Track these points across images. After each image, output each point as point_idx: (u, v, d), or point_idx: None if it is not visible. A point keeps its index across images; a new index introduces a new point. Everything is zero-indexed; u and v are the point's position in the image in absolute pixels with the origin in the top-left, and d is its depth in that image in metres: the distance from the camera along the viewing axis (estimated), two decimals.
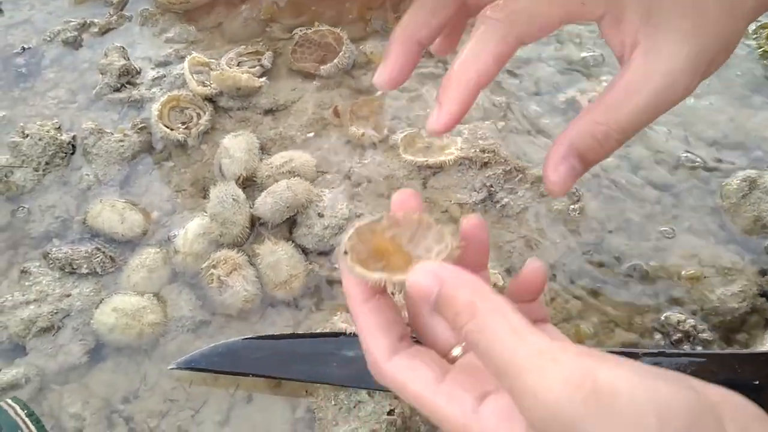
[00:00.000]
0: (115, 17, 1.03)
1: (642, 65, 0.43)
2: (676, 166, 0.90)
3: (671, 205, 0.86)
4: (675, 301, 0.79)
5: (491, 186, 0.86)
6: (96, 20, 1.03)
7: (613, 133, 0.44)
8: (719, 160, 0.90)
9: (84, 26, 1.02)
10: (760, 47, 0.99)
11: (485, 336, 0.33)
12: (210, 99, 0.93)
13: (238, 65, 0.97)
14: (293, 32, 1.01)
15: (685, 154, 0.90)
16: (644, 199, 0.87)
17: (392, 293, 0.47)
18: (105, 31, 1.02)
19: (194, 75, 0.94)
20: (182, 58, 0.96)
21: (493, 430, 0.35)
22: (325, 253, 0.81)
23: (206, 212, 0.81)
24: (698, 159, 0.90)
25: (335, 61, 0.97)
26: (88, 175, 0.87)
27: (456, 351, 0.46)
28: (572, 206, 0.85)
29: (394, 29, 0.51)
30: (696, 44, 0.43)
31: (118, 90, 0.95)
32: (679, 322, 0.76)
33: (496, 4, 0.46)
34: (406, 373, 0.40)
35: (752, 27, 1.03)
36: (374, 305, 0.43)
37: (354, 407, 0.67)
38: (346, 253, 0.43)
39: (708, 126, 0.93)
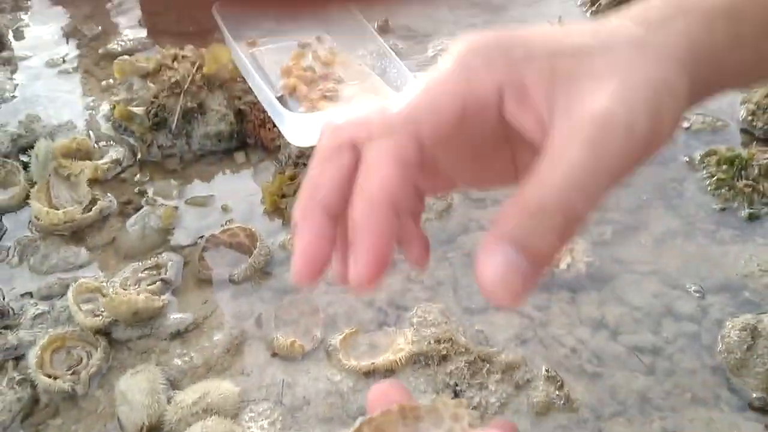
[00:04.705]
0: None
1: (566, 122, 0.32)
2: (658, 321, 0.78)
3: (666, 371, 0.73)
4: None
5: (456, 384, 0.71)
6: None
7: (549, 202, 0.31)
8: (705, 310, 0.78)
9: None
10: (712, 176, 0.91)
11: None
12: (103, 332, 0.77)
13: (136, 284, 0.83)
14: (199, 237, 0.89)
15: (663, 306, 0.79)
16: (633, 369, 0.73)
17: None
18: None
19: (82, 305, 0.79)
20: (68, 287, 0.81)
21: None
22: None
23: None
24: (681, 310, 0.78)
25: (250, 261, 0.84)
26: None
27: None
28: (556, 393, 0.70)
29: (298, 198, 0.36)
30: (625, 76, 0.33)
31: None
32: None
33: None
34: None
35: (698, 155, 0.96)
36: None
37: None
38: None
39: (682, 271, 0.82)
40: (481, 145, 0.39)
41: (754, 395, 0.69)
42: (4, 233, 0.91)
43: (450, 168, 0.40)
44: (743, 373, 0.70)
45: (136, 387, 0.69)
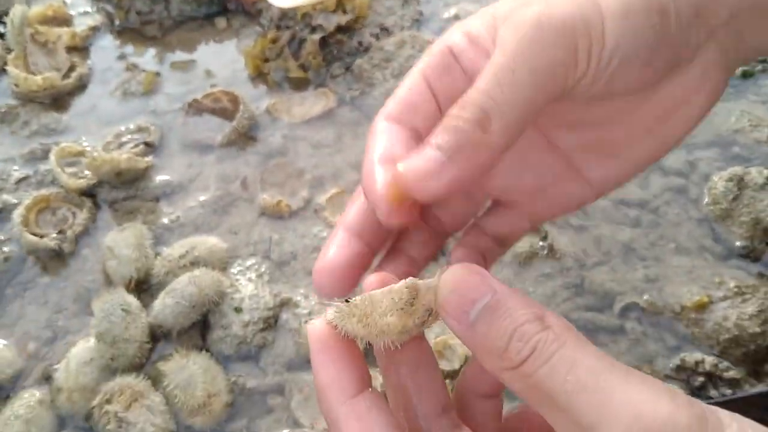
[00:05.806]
0: None
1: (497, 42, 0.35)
2: (646, 176, 0.77)
3: (652, 223, 0.73)
4: (685, 338, 0.64)
5: None
6: None
7: (467, 100, 0.32)
8: (692, 164, 0.77)
9: None
10: None
11: (569, 353, 0.26)
12: (87, 193, 0.77)
13: (119, 148, 0.81)
14: (182, 102, 0.87)
15: None
16: (620, 222, 0.74)
17: None
18: None
19: (66, 168, 0.78)
20: (50, 152, 0.80)
21: None
22: (251, 358, 0.65)
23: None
24: (670, 165, 0.77)
25: (233, 124, 0.82)
26: None
27: None
28: (540, 244, 0.71)
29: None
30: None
31: None
32: (697, 363, 0.62)
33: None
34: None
35: None
36: (367, 404, 0.31)
37: None
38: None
39: None
40: None
41: (738, 243, 0.70)
42: None
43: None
44: (728, 223, 0.71)
45: (123, 242, 0.69)
